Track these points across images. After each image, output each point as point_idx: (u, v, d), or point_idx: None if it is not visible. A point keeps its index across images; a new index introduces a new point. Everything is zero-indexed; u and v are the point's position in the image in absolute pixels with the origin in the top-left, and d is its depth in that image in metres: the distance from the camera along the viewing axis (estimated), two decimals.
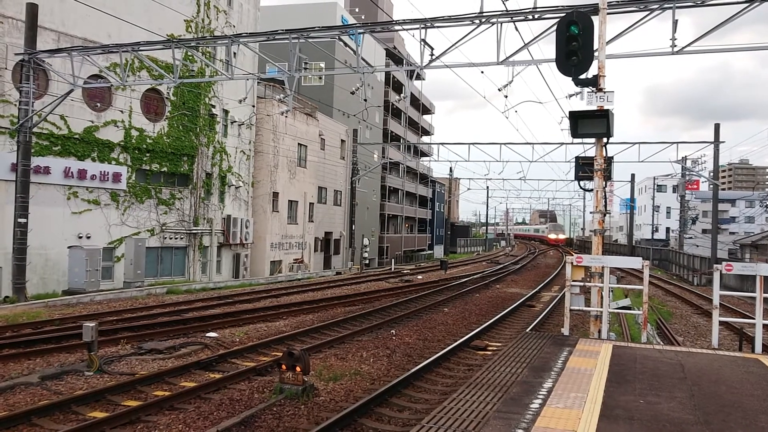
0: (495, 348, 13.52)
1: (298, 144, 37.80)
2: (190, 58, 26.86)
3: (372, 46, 50.38)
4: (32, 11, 19.56)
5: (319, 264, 42.13)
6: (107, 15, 21.50)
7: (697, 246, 54.18)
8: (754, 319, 9.19)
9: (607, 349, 8.76)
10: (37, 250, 21.35)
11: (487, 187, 76.21)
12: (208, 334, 14.10)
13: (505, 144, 35.40)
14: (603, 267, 9.81)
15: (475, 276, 33.17)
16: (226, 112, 31.24)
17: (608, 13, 11.08)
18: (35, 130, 20.45)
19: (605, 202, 10.56)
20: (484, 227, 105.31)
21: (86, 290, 20.51)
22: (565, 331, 10.00)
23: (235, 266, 32.75)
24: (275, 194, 35.52)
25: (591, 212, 10.92)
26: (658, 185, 67.89)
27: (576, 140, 24.09)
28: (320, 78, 45.22)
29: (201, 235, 29.60)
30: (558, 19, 10.91)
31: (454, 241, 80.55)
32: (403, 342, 14.03)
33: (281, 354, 9.53)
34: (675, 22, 13.17)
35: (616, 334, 13.57)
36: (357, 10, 59.81)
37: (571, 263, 9.87)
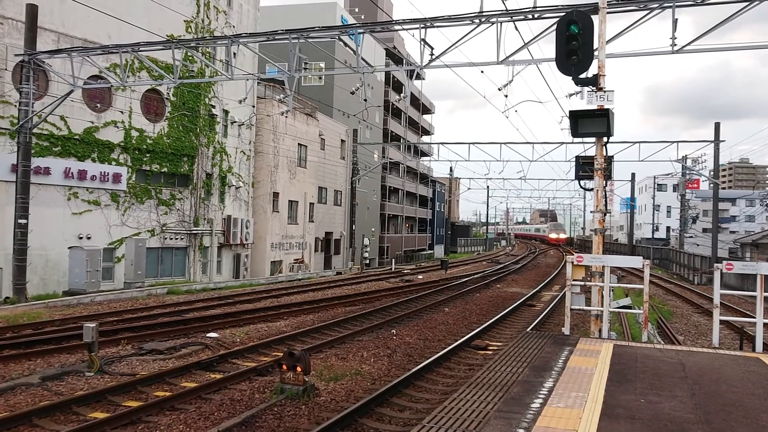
0: (496, 347, 13.52)
1: (298, 144, 37.81)
2: (190, 58, 26.87)
3: (372, 46, 50.39)
4: (32, 12, 19.56)
5: (319, 264, 42.13)
6: (107, 16, 21.50)
7: (698, 245, 54.17)
8: (754, 318, 9.18)
9: (608, 348, 8.75)
10: (38, 250, 21.35)
11: (488, 186, 76.27)
12: (208, 335, 14.10)
13: (505, 143, 35.41)
14: (603, 266, 9.81)
15: (475, 276, 33.17)
16: (226, 112, 31.24)
17: (608, 13, 11.08)
18: (35, 130, 20.46)
19: (605, 201, 10.56)
20: (485, 227, 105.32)
21: (87, 291, 20.51)
22: (566, 330, 10.00)
23: (235, 266, 32.75)
24: (275, 194, 35.52)
25: (591, 211, 10.91)
26: (658, 184, 67.88)
27: (576, 139, 24.10)
28: (320, 78, 45.21)
29: (201, 235, 29.61)
30: (558, 19, 10.90)
31: (455, 240, 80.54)
32: (404, 342, 14.03)
33: (282, 354, 9.52)
34: (675, 21, 13.17)
35: (616, 333, 13.57)
36: (357, 10, 59.80)
37: (572, 262, 9.87)
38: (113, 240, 24.89)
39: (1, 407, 8.61)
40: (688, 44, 13.45)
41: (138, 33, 22.08)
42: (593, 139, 10.63)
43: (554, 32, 10.50)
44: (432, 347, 13.61)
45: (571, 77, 10.36)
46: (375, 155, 50.92)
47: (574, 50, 10.11)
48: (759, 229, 60.06)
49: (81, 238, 23.42)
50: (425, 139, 76.55)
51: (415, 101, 67.33)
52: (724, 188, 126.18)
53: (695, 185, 60.19)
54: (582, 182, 11.41)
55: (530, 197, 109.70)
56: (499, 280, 32.26)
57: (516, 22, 14.91)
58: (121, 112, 24.93)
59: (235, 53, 30.16)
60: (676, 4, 13.13)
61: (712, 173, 39.02)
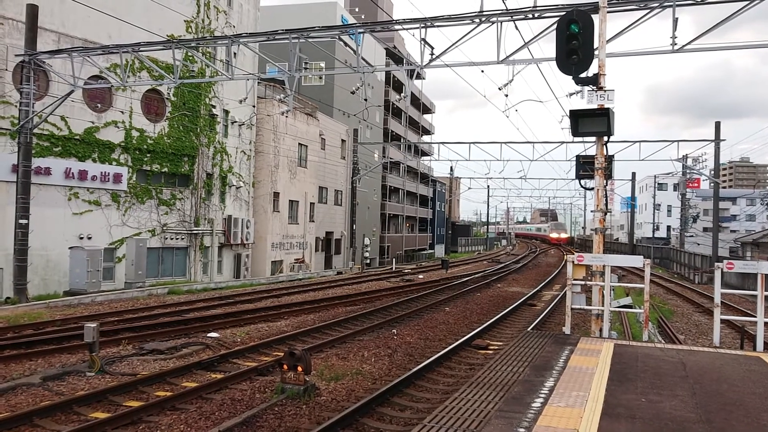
0: (496, 347, 13.52)
1: (299, 144, 37.81)
2: (191, 58, 26.87)
3: (372, 46, 50.39)
4: (32, 12, 19.56)
5: (320, 264, 42.13)
6: (107, 16, 21.50)
7: (698, 244, 54.15)
8: (755, 317, 9.18)
9: (609, 347, 8.75)
10: (38, 251, 21.36)
11: (488, 186, 76.29)
12: (209, 335, 14.10)
13: (505, 143, 35.40)
14: (604, 266, 9.81)
15: (476, 275, 33.17)
16: (226, 112, 31.24)
17: (608, 12, 11.08)
18: (36, 131, 20.47)
19: (606, 200, 10.56)
20: (485, 226, 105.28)
21: (87, 291, 20.52)
22: (567, 329, 10.00)
23: (236, 266, 32.76)
24: (276, 194, 35.53)
25: (592, 211, 10.91)
26: (658, 183, 67.85)
27: (577, 139, 24.10)
28: (320, 78, 45.20)
29: (202, 235, 29.61)
30: (558, 18, 10.90)
31: (455, 240, 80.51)
32: (405, 341, 14.03)
33: (283, 354, 9.53)
34: (675, 20, 13.16)
35: (617, 332, 13.56)
36: (357, 9, 59.80)
37: (572, 262, 9.86)
38: (114, 240, 24.90)
39: (2, 407, 8.62)
40: (689, 43, 13.44)
41: (138, 33, 22.08)
42: (594, 139, 10.62)
43: (554, 31, 10.50)
44: (433, 347, 13.61)
45: (571, 76, 10.35)
46: (375, 155, 50.91)
47: (575, 49, 10.11)
48: (759, 228, 60.03)
49: (82, 238, 23.43)
50: (426, 138, 76.60)
51: (416, 101, 67.32)
52: (724, 187, 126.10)
53: (696, 184, 60.17)
54: (582, 181, 11.39)
55: (531, 197, 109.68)
56: (499, 280, 32.26)
57: (516, 22, 14.91)
58: (122, 112, 24.93)
59: (235, 53, 30.17)
60: (677, 3, 13.13)
61: (712, 172, 39.00)
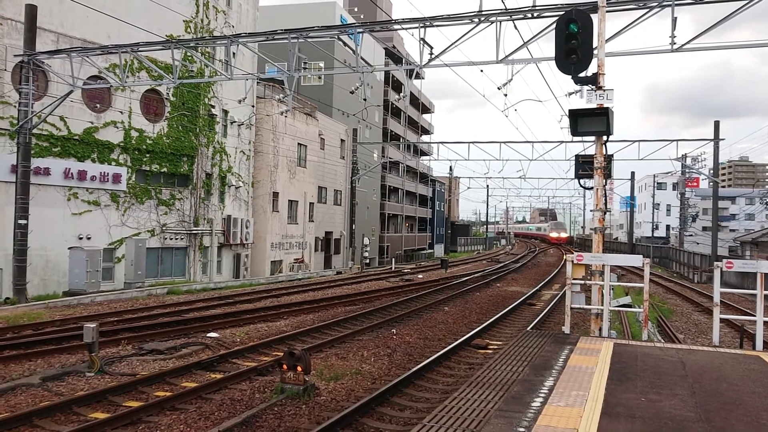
0: (496, 347, 13.52)
1: (298, 144, 37.80)
2: (190, 58, 26.86)
3: (371, 46, 50.38)
4: (31, 12, 19.55)
5: (319, 264, 42.13)
6: (106, 16, 21.50)
7: (698, 243, 54.20)
8: (754, 316, 9.18)
9: (608, 347, 8.75)
10: (38, 251, 21.35)
11: (487, 185, 76.34)
12: (209, 335, 14.10)
13: (504, 143, 35.39)
14: (603, 265, 9.81)
15: (475, 275, 33.17)
16: (225, 112, 31.24)
17: (607, 11, 11.08)
18: (35, 131, 20.45)
19: (605, 200, 10.56)
20: (485, 226, 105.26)
21: (87, 291, 20.51)
22: (566, 329, 10.00)
23: (235, 266, 32.75)
24: (275, 194, 35.52)
25: (591, 210, 10.91)
26: (658, 183, 67.93)
27: (576, 138, 24.08)
28: (320, 78, 45.18)
29: (201, 235, 29.61)
30: (557, 18, 10.90)
31: (455, 240, 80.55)
32: (404, 341, 14.03)
33: (282, 354, 9.53)
34: (674, 20, 13.17)
35: (617, 332, 13.58)
36: (356, 9, 59.78)
37: (572, 261, 9.87)
38: (113, 240, 24.89)
39: (1, 408, 8.61)
40: (688, 43, 13.45)
41: (137, 33, 22.07)
42: (593, 138, 10.63)
43: (554, 31, 10.50)
44: (432, 346, 13.62)
45: (570, 76, 10.35)
46: (375, 155, 50.90)
47: (574, 49, 10.11)
48: (759, 228, 60.07)
49: (81, 238, 23.43)
50: (425, 138, 76.60)
51: (415, 100, 67.33)
52: (723, 186, 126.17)
53: (695, 184, 60.23)
54: (582, 181, 11.40)
55: (530, 196, 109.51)
56: (499, 279, 32.27)
57: (515, 21, 14.91)
58: (121, 112, 24.92)
59: (234, 53, 30.16)
60: (675, 2, 13.13)
61: (711, 172, 39.03)
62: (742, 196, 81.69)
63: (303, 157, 38.59)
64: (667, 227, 79.99)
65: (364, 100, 39.67)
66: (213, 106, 30.08)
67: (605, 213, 10.59)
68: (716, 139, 34.49)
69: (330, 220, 44.38)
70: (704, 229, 60.25)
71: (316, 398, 9.15)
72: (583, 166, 10.80)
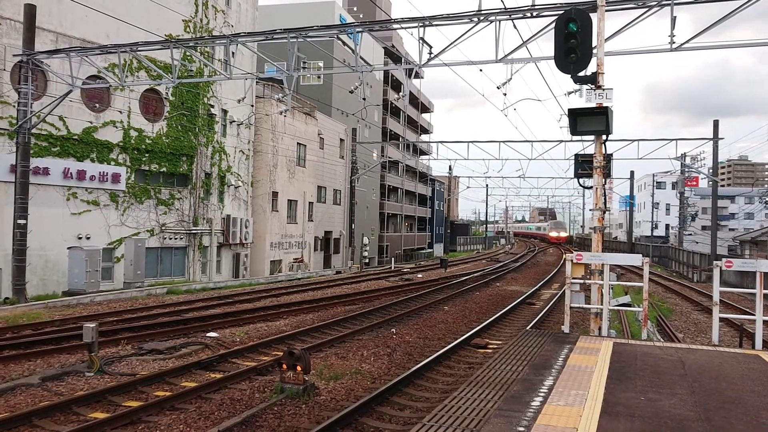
0: (495, 346, 13.52)
1: (297, 143, 37.79)
2: (189, 58, 26.85)
3: (370, 45, 50.36)
4: (30, 12, 19.53)
5: (318, 263, 42.12)
6: (105, 15, 21.48)
7: (697, 243, 54.19)
8: (754, 315, 9.19)
9: (608, 346, 8.75)
10: (37, 251, 21.34)
11: (487, 185, 76.41)
12: (208, 334, 14.10)
13: (504, 142, 35.38)
14: (603, 264, 9.81)
15: (475, 274, 33.18)
16: (224, 111, 31.22)
17: (606, 10, 11.07)
18: (34, 131, 20.43)
19: (605, 199, 10.56)
20: (484, 225, 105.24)
21: (86, 291, 20.51)
22: (566, 328, 10.00)
23: (234, 266, 32.75)
24: (275, 194, 35.51)
25: (591, 209, 10.91)
26: (657, 182, 67.92)
27: (575, 138, 24.09)
28: (319, 77, 45.17)
29: (201, 235, 29.60)
30: (556, 17, 10.90)
31: (454, 239, 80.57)
32: (404, 340, 14.04)
33: (282, 353, 9.53)
34: (673, 19, 13.17)
35: (616, 331, 13.57)
36: (355, 9, 59.80)
37: (571, 261, 9.87)
38: (112, 240, 24.88)
39: (1, 408, 8.61)
40: (687, 42, 13.45)
41: (136, 33, 22.06)
42: (592, 137, 10.63)
43: (553, 30, 10.50)
44: (432, 346, 13.62)
45: (569, 75, 10.35)
46: (374, 154, 50.89)
47: (573, 48, 10.11)
48: (758, 227, 60.13)
49: (80, 238, 23.41)
50: (424, 137, 76.59)
51: (414, 100, 67.32)
52: (723, 186, 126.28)
53: (694, 183, 60.22)
54: (581, 180, 11.39)
55: (529, 195, 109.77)
56: (498, 279, 32.28)
57: (514, 21, 14.91)
58: (120, 112, 24.91)
59: (233, 52, 30.14)
60: (674, 1, 13.14)
61: (711, 171, 39.04)
62: (742, 195, 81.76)
63: (302, 156, 38.58)
64: (667, 226, 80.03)
65: (364, 99, 39.71)
66: (212, 106, 30.07)
67: (604, 212, 10.59)
68: (715, 138, 34.49)
69: (329, 220, 44.37)
70: (703, 228, 60.27)
71: (316, 398, 9.15)
72: (583, 165, 10.80)
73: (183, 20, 27.64)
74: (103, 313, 16.75)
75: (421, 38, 15.64)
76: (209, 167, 29.92)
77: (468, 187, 68.89)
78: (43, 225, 21.71)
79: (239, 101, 28.18)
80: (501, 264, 43.96)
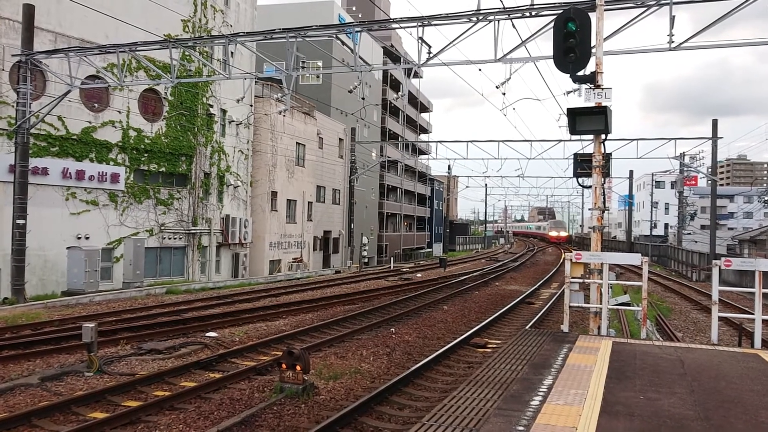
0: (495, 345, 13.53)
1: (296, 143, 37.79)
2: (188, 57, 26.84)
3: (369, 45, 50.34)
4: (29, 12, 19.52)
5: (318, 263, 42.12)
6: (104, 15, 21.47)
7: (696, 242, 54.25)
8: (753, 314, 9.20)
9: (607, 345, 8.76)
10: (36, 251, 21.32)
11: (486, 184, 76.36)
12: (207, 334, 14.09)
13: (503, 141, 35.38)
14: (602, 263, 9.81)
15: (474, 273, 33.18)
16: (223, 111, 31.21)
17: (605, 10, 11.08)
18: (33, 131, 20.42)
19: (604, 198, 10.57)
20: (483, 225, 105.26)
21: (85, 291, 20.49)
22: (565, 327, 10.01)
23: (234, 266, 32.74)
24: (274, 193, 35.50)
25: (590, 209, 10.92)
26: (656, 181, 67.92)
27: (574, 137, 24.10)
28: (318, 77, 45.15)
29: (200, 234, 29.59)
30: (555, 16, 10.91)
31: (453, 238, 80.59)
32: (403, 340, 14.04)
33: (281, 353, 9.53)
34: (672, 18, 13.17)
35: (615, 330, 13.57)
36: (354, 8, 59.77)
37: (570, 260, 9.87)
38: (112, 240, 24.86)
39: (0, 408, 8.60)
40: (686, 41, 13.45)
41: (135, 32, 22.04)
42: (591, 137, 10.63)
43: (552, 30, 10.51)
44: (431, 345, 13.62)
45: (568, 75, 10.36)
46: (373, 154, 50.89)
47: (572, 48, 10.11)
48: (757, 226, 60.16)
49: (79, 238, 23.40)
50: (423, 137, 76.59)
51: (413, 99, 67.32)
52: (722, 185, 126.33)
53: (693, 182, 60.22)
54: (580, 180, 11.40)
55: (528, 195, 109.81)
56: (497, 278, 32.29)
57: (513, 20, 14.92)
58: (119, 111, 24.90)
59: (232, 52, 30.13)
60: (673, 1, 13.13)
61: (709, 170, 39.05)
62: (741, 195, 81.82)
63: (301, 156, 38.57)
64: (666, 226, 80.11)
65: (363, 99, 39.67)
66: (211, 106, 30.06)
67: (604, 211, 10.60)
68: (714, 137, 34.51)
69: (328, 220, 44.37)
70: (702, 227, 60.30)
71: (315, 397, 9.15)
72: (582, 165, 10.81)
73: (182, 20, 27.64)
74: (102, 313, 16.74)
75: (420, 38, 15.64)
76: (208, 167, 29.91)
77: (467, 187, 68.73)
78: (42, 225, 21.70)
79: (238, 101, 28.17)
80: (500, 263, 43.96)
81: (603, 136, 10.36)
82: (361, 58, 17.12)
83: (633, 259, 10.68)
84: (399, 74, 54.43)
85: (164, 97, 27.26)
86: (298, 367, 9.08)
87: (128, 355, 11.82)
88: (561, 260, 43.52)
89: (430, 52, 16.09)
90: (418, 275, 33.28)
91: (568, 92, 16.32)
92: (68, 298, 19.46)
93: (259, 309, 18.11)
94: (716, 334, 9.56)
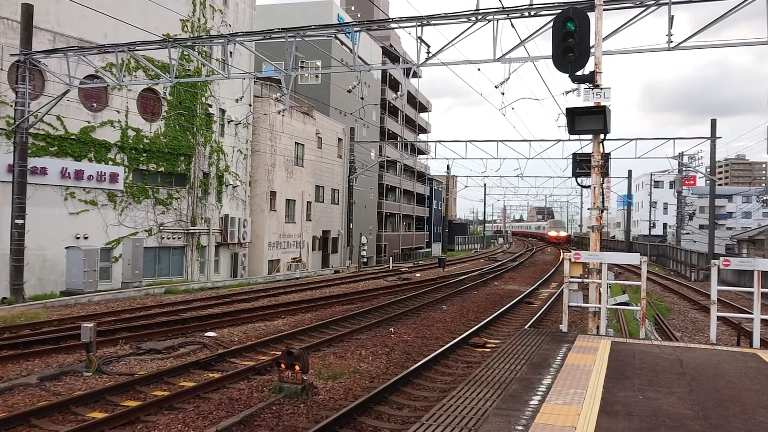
0: (494, 345, 13.53)
1: (295, 143, 37.78)
2: (187, 57, 26.83)
3: (368, 45, 50.31)
4: (27, 12, 19.50)
5: (317, 263, 42.11)
6: (103, 15, 21.45)
7: (695, 242, 54.29)
8: (751, 313, 9.21)
9: (606, 345, 8.77)
10: (35, 251, 21.30)
11: (485, 184, 76.32)
12: (206, 334, 14.08)
13: (502, 141, 35.38)
14: (601, 263, 9.82)
15: (473, 273, 33.19)
16: (222, 111, 31.20)
17: (604, 9, 11.08)
18: (32, 130, 20.41)
19: (603, 198, 10.57)
20: (482, 225, 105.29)
21: (84, 291, 20.48)
22: (564, 327, 10.01)
23: (233, 266, 32.72)
24: (273, 193, 35.49)
25: (589, 209, 10.94)
26: (655, 181, 67.95)
27: (573, 137, 24.13)
28: (317, 76, 45.13)
29: (199, 234, 29.57)
30: (554, 16, 10.91)
31: (452, 238, 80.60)
32: (402, 340, 14.04)
33: (280, 353, 9.52)
34: (671, 18, 13.17)
35: (614, 330, 13.59)
36: (353, 8, 59.73)
37: (569, 260, 9.88)
38: (110, 240, 24.84)
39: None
40: (685, 41, 13.46)
41: (134, 32, 22.02)
42: (590, 137, 10.64)
43: (551, 29, 10.51)
44: (430, 345, 13.62)
45: (567, 74, 10.37)
46: (372, 153, 50.88)
47: (571, 47, 10.12)
48: (755, 226, 60.21)
49: (78, 238, 23.38)
50: (422, 137, 76.61)
51: (412, 99, 67.32)
52: (720, 185, 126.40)
53: (692, 182, 60.30)
54: (579, 179, 11.41)
55: (527, 195, 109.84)
56: (496, 278, 32.30)
57: (512, 20, 14.92)
58: (118, 111, 24.88)
59: (231, 52, 30.08)
60: (672, 0, 13.14)
61: (708, 170, 39.08)
62: (739, 194, 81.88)
63: (300, 156, 38.56)
64: (664, 225, 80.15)
65: (362, 98, 39.66)
66: (210, 105, 30.04)
67: (602, 211, 10.61)
68: (713, 137, 34.54)
69: (327, 219, 44.36)
70: (701, 227, 60.33)
71: (314, 397, 9.15)
72: (581, 165, 10.82)
73: (180, 20, 27.62)
74: (101, 313, 16.73)
75: (419, 37, 15.63)
76: (207, 167, 29.90)
77: (466, 187, 68.55)
78: (41, 225, 21.68)
79: (237, 101, 28.16)
80: (499, 263, 43.97)
81: (602, 136, 10.37)
82: (360, 58, 17.11)
83: (632, 258, 10.69)
84: (398, 74, 54.36)
85: (163, 97, 27.25)
86: (297, 367, 9.07)
87: (127, 355, 11.81)
88: (560, 260, 43.55)
89: (429, 52, 16.09)
90: (417, 275, 33.28)
91: (567, 92, 16.35)
92: (67, 297, 19.45)
93: (258, 309, 18.10)
94: (715, 333, 9.56)
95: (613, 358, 7.93)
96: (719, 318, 10.31)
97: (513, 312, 19.26)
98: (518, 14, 14.61)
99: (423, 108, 74.86)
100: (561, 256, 41.69)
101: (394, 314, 17.51)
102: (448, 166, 63.58)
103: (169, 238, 27.84)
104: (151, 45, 18.84)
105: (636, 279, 24.05)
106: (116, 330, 13.88)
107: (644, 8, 13.48)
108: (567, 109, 10.17)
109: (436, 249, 74.20)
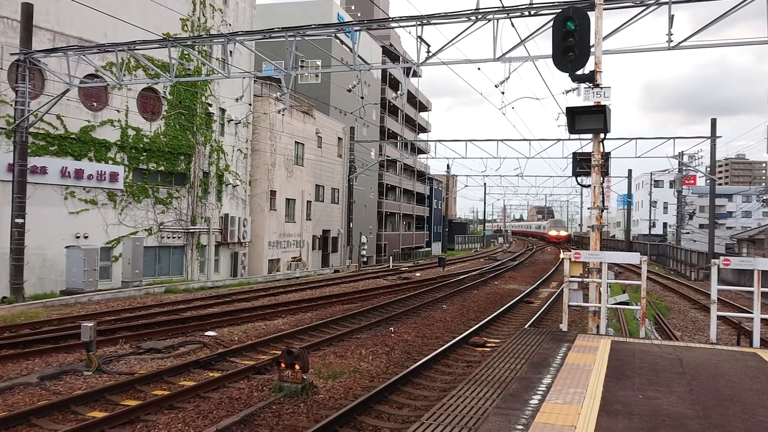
0: (494, 344, 13.53)
1: (295, 142, 37.77)
2: (187, 56, 26.81)
3: (368, 44, 50.31)
4: (27, 11, 19.49)
5: (317, 262, 42.11)
6: (103, 14, 21.44)
7: (695, 241, 54.30)
8: (751, 313, 9.21)
9: (606, 344, 8.77)
10: (35, 250, 21.30)
11: (485, 183, 76.33)
12: (206, 333, 14.09)
13: (502, 140, 35.36)
14: (601, 262, 9.82)
15: (473, 273, 33.19)
16: (222, 110, 31.20)
17: (604, 9, 11.08)
18: (32, 130, 20.40)
19: (603, 197, 10.57)
20: (482, 224, 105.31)
21: (84, 290, 20.48)
22: (564, 326, 10.01)
23: (233, 265, 32.72)
24: (273, 192, 35.49)
25: (589, 208, 10.94)
26: (655, 180, 67.94)
27: (573, 136, 24.14)
28: (317, 76, 45.12)
29: (199, 234, 29.57)
30: (554, 15, 10.91)
31: (452, 238, 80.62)
32: (402, 339, 14.04)
33: (280, 352, 9.52)
34: (671, 18, 13.17)
35: (614, 329, 13.60)
36: (353, 7, 59.72)
37: (569, 259, 9.88)
38: (110, 239, 24.85)
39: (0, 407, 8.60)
40: (685, 40, 13.45)
41: (134, 31, 22.00)
42: (590, 136, 10.64)
43: (551, 29, 10.51)
44: (430, 344, 13.62)
45: (567, 74, 10.37)
46: (372, 153, 50.87)
47: (571, 47, 10.13)
48: (755, 225, 60.21)
49: (78, 237, 23.38)
50: (422, 136, 76.60)
51: (412, 98, 67.31)
52: (720, 184, 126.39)
53: (692, 181, 60.30)
54: (579, 179, 11.41)
55: (527, 194, 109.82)
56: (496, 277, 32.29)
57: (512, 19, 14.91)
58: (118, 110, 24.88)
59: (231, 51, 30.05)
60: (672, 0, 13.13)
61: (708, 169, 39.08)
62: (739, 194, 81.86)
63: (300, 155, 38.56)
64: (664, 225, 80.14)
65: (362, 98, 39.67)
66: (210, 105, 30.03)
67: (602, 211, 10.61)
68: (713, 136, 34.54)
69: (327, 219, 44.36)
70: (701, 226, 60.34)
71: (315, 396, 9.15)
72: (581, 164, 10.82)
73: (180, 19, 27.61)
74: (101, 312, 16.73)
75: (419, 37, 15.63)
76: (207, 166, 29.89)
77: (466, 186, 68.78)
78: (41, 224, 21.68)
79: (237, 100, 28.11)
80: (499, 263, 43.97)
81: (602, 135, 10.37)
82: (360, 57, 17.11)
83: (632, 258, 10.70)
84: (398, 73, 54.36)
85: (163, 96, 27.24)
86: (297, 366, 9.08)
87: (127, 354, 11.81)
88: (560, 260, 43.54)
89: (429, 51, 16.08)
90: (417, 274, 33.28)
91: (567, 91, 16.33)
92: (67, 297, 19.45)
93: (258, 308, 18.11)
94: (715, 333, 9.57)
95: (613, 357, 7.93)
96: (719, 317, 10.31)
97: (513, 311, 19.26)
98: (518, 14, 14.60)
99: (423, 107, 74.86)
100: (561, 256, 41.75)
101: (394, 313, 17.51)
102: (448, 165, 63.63)
103: (169, 238, 27.84)
104: (151, 44, 18.83)
105: (636, 278, 24.06)
106: (116, 329, 13.89)
107: (644, 8, 13.47)
108: (567, 109, 10.17)
109: (436, 248, 74.20)
